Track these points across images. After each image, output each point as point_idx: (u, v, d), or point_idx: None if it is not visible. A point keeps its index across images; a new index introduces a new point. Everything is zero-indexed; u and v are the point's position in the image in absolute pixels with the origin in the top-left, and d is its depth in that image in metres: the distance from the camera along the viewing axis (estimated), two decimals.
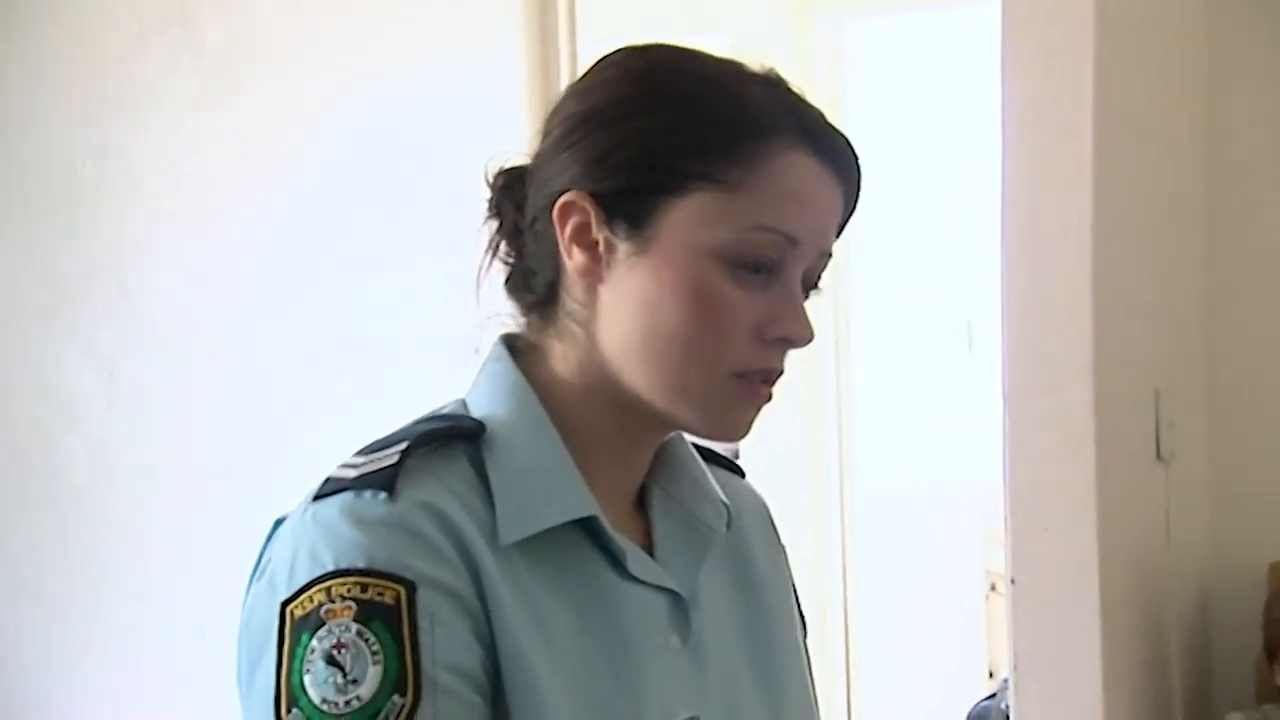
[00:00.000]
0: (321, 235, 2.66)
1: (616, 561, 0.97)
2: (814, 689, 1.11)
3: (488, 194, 1.04)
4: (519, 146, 2.85)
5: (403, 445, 0.93)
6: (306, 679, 0.85)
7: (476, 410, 0.99)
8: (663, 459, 1.05)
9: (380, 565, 0.87)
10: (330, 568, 0.87)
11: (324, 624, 0.86)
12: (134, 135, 2.40)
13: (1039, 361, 2.21)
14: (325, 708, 0.84)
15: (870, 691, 4.22)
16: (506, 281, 1.03)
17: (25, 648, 2.29)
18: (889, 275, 4.22)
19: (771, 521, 1.14)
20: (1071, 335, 2.17)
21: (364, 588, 0.86)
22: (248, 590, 0.96)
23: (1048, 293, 2.19)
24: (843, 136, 0.98)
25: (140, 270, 2.42)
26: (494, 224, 1.04)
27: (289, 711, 0.85)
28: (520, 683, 0.89)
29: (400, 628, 0.85)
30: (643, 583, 0.98)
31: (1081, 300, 2.16)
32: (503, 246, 1.03)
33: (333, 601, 0.86)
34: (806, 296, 0.98)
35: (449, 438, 0.95)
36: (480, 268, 1.04)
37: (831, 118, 0.99)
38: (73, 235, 2.35)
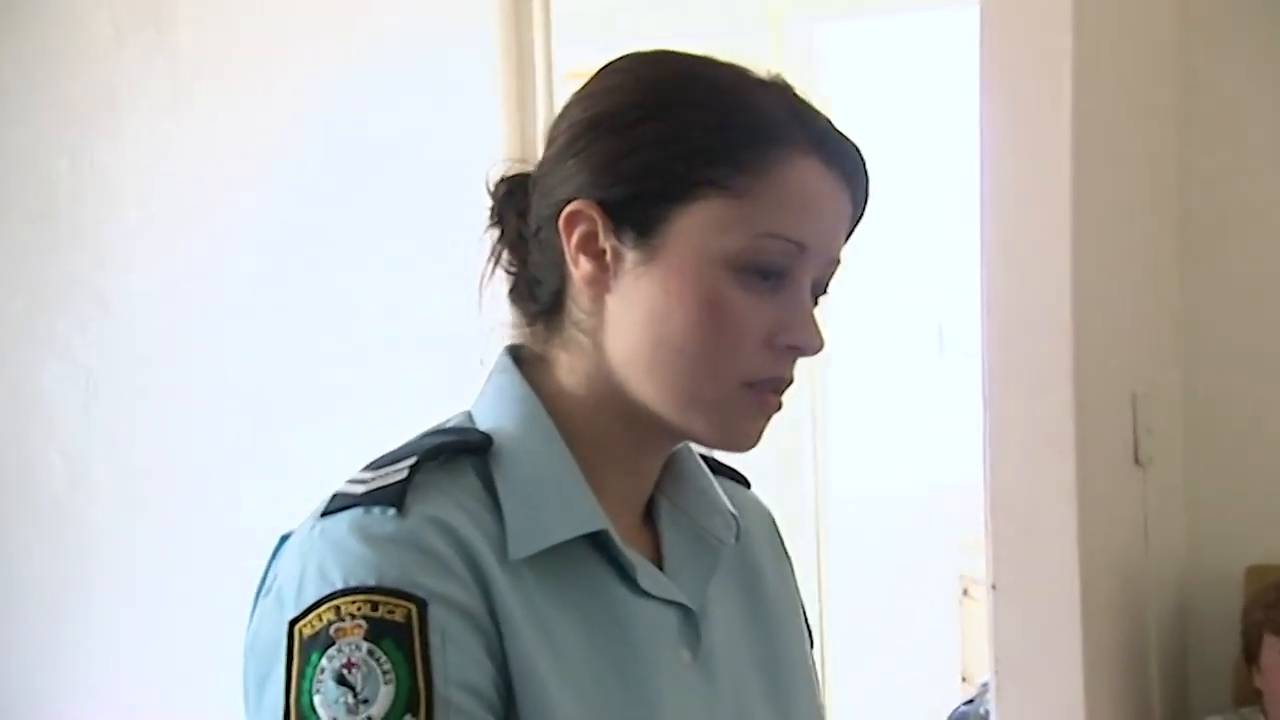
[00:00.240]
0: (299, 238, 2.64)
1: (626, 575, 0.96)
2: (821, 702, 1.10)
3: (489, 202, 1.03)
4: (494, 147, 2.86)
5: (411, 460, 0.91)
6: (316, 699, 0.84)
7: (483, 423, 0.98)
8: (670, 470, 1.04)
9: (390, 583, 0.85)
10: (339, 585, 0.86)
11: (334, 643, 0.84)
12: (109, 140, 2.38)
13: (1020, 365, 2.21)
14: None
15: (844, 696, 4.22)
16: (510, 291, 1.02)
17: (3, 658, 2.27)
18: (862, 280, 4.21)
19: (778, 532, 1.13)
20: (1052, 339, 2.18)
21: (374, 605, 0.85)
22: (253, 608, 0.94)
23: (1028, 296, 2.20)
24: (851, 142, 0.97)
25: (117, 277, 2.39)
26: (495, 232, 1.02)
27: None
28: (532, 699, 0.87)
29: (412, 646, 0.84)
30: (653, 597, 0.97)
31: (1062, 304, 2.17)
32: (505, 255, 1.02)
33: (342, 620, 0.85)
34: (815, 304, 0.97)
35: (456, 452, 0.94)
36: (482, 276, 1.03)
37: None
38: (49, 242, 2.32)
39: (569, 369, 0.98)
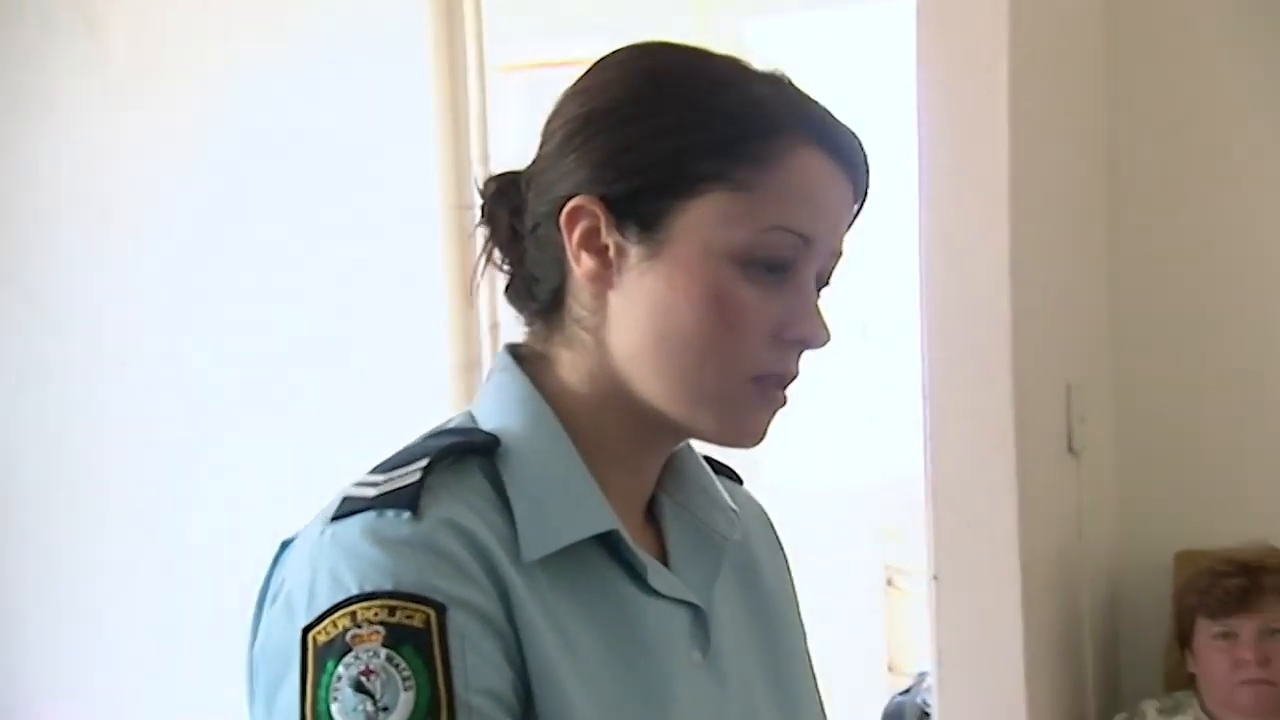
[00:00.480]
0: (231, 236, 2.62)
1: (637, 575, 0.95)
2: (821, 699, 1.10)
3: (479, 201, 1.01)
4: (427, 142, 2.83)
5: (424, 462, 0.89)
6: (334, 707, 0.82)
7: (486, 423, 0.96)
8: (671, 468, 1.03)
9: (408, 587, 0.84)
10: (354, 591, 0.84)
11: (350, 650, 0.82)
12: (40, 139, 2.33)
13: (960, 358, 2.23)
14: None
15: None
16: (507, 289, 1.01)
17: None
18: None
19: (773, 528, 1.12)
20: (991, 330, 2.20)
21: (392, 611, 0.83)
22: (256, 616, 0.92)
23: (967, 290, 2.22)
24: (852, 132, 0.96)
25: (46, 277, 2.34)
26: (485, 231, 1.00)
27: None
28: (552, 702, 0.86)
29: (431, 652, 0.82)
30: (663, 596, 0.96)
31: (1000, 297, 2.19)
32: (497, 255, 1.00)
33: (359, 626, 0.83)
34: (818, 296, 0.96)
35: (464, 453, 0.92)
36: (474, 275, 1.01)
37: None
38: None
39: (571, 367, 0.97)
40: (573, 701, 0.87)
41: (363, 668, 0.82)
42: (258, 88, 2.68)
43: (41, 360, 2.33)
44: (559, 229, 0.95)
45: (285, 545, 0.94)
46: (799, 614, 1.11)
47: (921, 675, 2.84)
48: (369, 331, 2.78)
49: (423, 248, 2.73)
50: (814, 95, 0.97)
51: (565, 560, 0.91)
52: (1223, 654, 2.31)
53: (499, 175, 1.01)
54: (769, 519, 1.12)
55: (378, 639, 0.82)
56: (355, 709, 0.81)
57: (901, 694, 3.09)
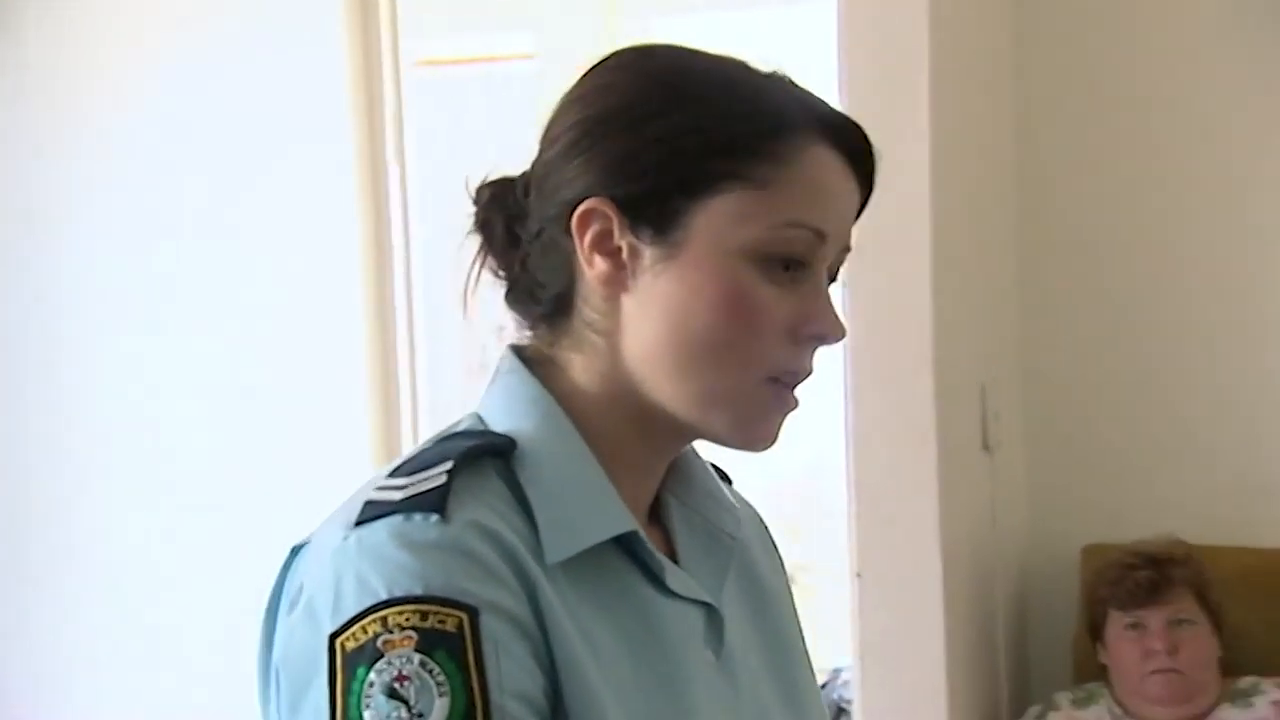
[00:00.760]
0: (146, 234, 2.57)
1: (654, 576, 0.94)
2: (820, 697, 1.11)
3: (470, 208, 1.00)
4: (343, 138, 2.80)
5: (449, 464, 0.88)
6: (367, 714, 0.81)
7: (496, 425, 0.95)
8: (675, 469, 1.02)
9: (439, 591, 0.83)
10: (383, 596, 0.83)
11: (382, 656, 0.81)
12: None
13: (883, 358, 2.26)
14: None
15: None
16: (507, 295, 1.00)
17: None
18: None
19: (766, 529, 1.12)
20: (913, 330, 2.23)
21: (424, 616, 0.82)
22: (269, 622, 0.91)
23: (890, 291, 2.25)
24: (858, 127, 0.96)
25: None
26: (480, 239, 0.99)
27: None
28: (582, 704, 0.86)
29: (465, 657, 0.81)
30: (680, 597, 0.96)
31: (922, 298, 2.22)
32: (491, 260, 0.99)
33: (390, 632, 0.81)
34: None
35: (483, 455, 0.91)
36: (467, 281, 1.00)
37: None
38: None
39: (582, 370, 0.96)
40: (603, 704, 0.87)
41: (396, 673, 0.81)
42: (172, 86, 2.64)
43: None
44: (567, 233, 0.94)
45: (296, 551, 0.92)
46: (796, 613, 1.11)
47: (836, 671, 2.87)
48: (283, 329, 2.75)
49: (338, 244, 2.70)
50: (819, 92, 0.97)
51: (585, 562, 0.91)
52: (1133, 644, 2.37)
53: (494, 181, 1.00)
54: (762, 519, 1.12)
55: (410, 644, 0.81)
56: (389, 715, 0.80)
57: None
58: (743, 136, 0.92)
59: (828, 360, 0.98)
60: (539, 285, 0.97)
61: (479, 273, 1.00)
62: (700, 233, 0.92)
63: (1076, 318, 2.76)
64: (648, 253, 0.93)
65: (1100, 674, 2.49)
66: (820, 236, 0.93)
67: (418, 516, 0.85)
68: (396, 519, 0.86)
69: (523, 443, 0.93)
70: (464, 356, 6.07)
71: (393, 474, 0.90)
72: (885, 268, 2.24)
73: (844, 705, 2.67)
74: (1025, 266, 2.76)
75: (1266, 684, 2.39)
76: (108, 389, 2.53)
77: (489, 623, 0.83)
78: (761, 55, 0.98)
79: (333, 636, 0.83)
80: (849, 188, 0.95)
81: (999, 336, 2.69)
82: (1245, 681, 2.41)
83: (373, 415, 2.73)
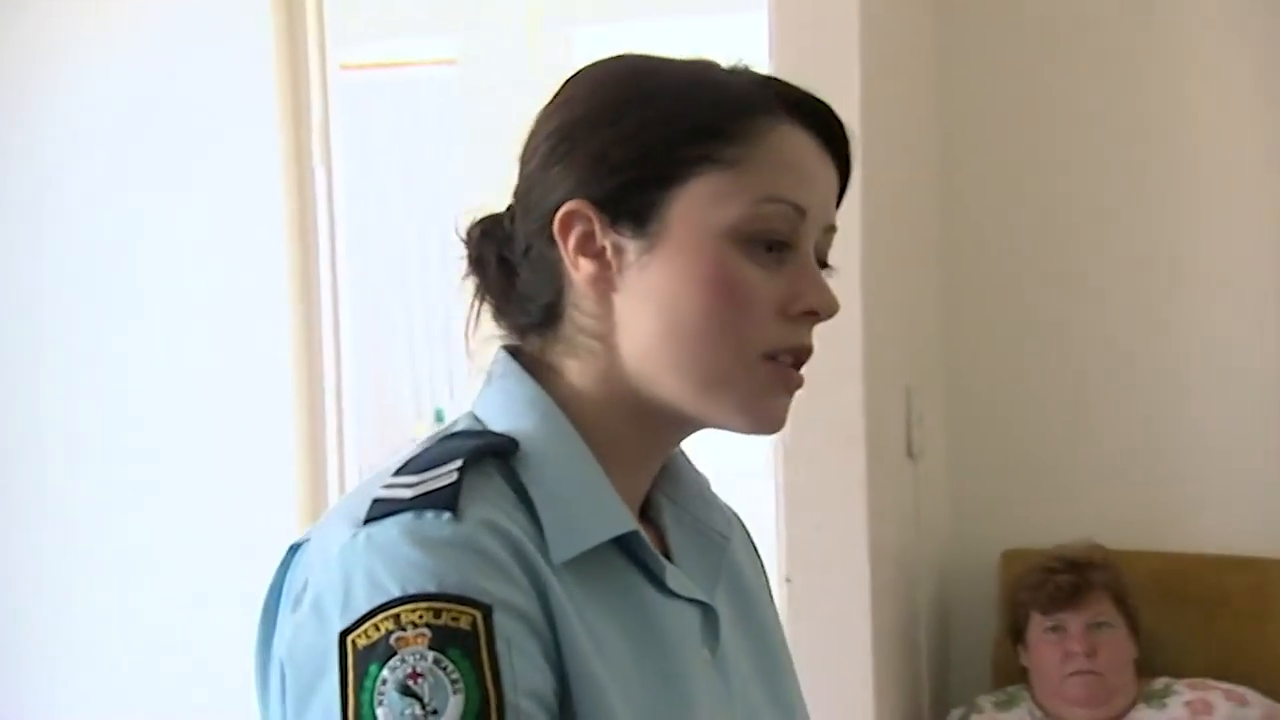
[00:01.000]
0: (71, 236, 2.53)
1: (654, 576, 0.95)
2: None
3: (464, 250, 1.01)
4: (270, 142, 2.78)
5: (459, 463, 0.88)
6: (380, 711, 0.80)
7: (495, 425, 0.95)
8: (666, 470, 1.03)
9: (453, 589, 0.82)
10: (396, 594, 0.82)
11: (395, 653, 0.81)
12: None
13: (811, 363, 2.27)
14: None
15: None
16: (496, 314, 1.00)
17: None
18: None
19: (746, 530, 1.13)
20: (843, 338, 2.25)
21: (437, 613, 0.81)
22: (267, 622, 0.91)
23: None
24: (829, 109, 0.97)
25: None
26: (474, 278, 1.00)
27: None
28: (591, 703, 0.86)
29: (479, 654, 0.81)
30: (679, 597, 0.96)
31: (851, 301, 2.23)
32: (488, 294, 1.00)
33: (403, 629, 0.81)
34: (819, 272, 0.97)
35: (488, 454, 0.91)
36: (468, 324, 1.01)
37: None
38: None
39: (580, 374, 0.96)
40: (611, 703, 0.87)
41: (409, 670, 0.80)
42: (99, 89, 2.61)
43: None
44: (552, 242, 0.95)
45: (294, 549, 0.92)
46: (777, 613, 1.12)
47: None
48: (208, 333, 2.72)
49: (264, 247, 2.68)
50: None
51: (587, 562, 0.91)
52: (1054, 647, 2.42)
53: (483, 219, 1.01)
54: (742, 522, 1.13)
55: (423, 641, 0.81)
56: (403, 712, 0.80)
57: None
58: (709, 121, 0.93)
59: None
60: (528, 299, 0.98)
61: (479, 312, 1.01)
62: (679, 221, 0.93)
63: (997, 328, 2.81)
64: (631, 248, 0.94)
65: (1019, 677, 2.53)
66: (800, 212, 0.94)
67: (429, 514, 0.85)
68: (408, 516, 0.85)
69: (524, 443, 0.93)
70: (389, 358, 6.04)
71: (399, 472, 0.90)
72: None
73: None
74: (948, 276, 2.81)
75: (1179, 685, 2.45)
76: (29, 386, 2.50)
77: (502, 620, 0.83)
78: None
79: (343, 634, 0.83)
80: (824, 166, 0.97)
81: (923, 346, 2.73)
82: (1159, 683, 2.46)
83: (297, 416, 2.71)
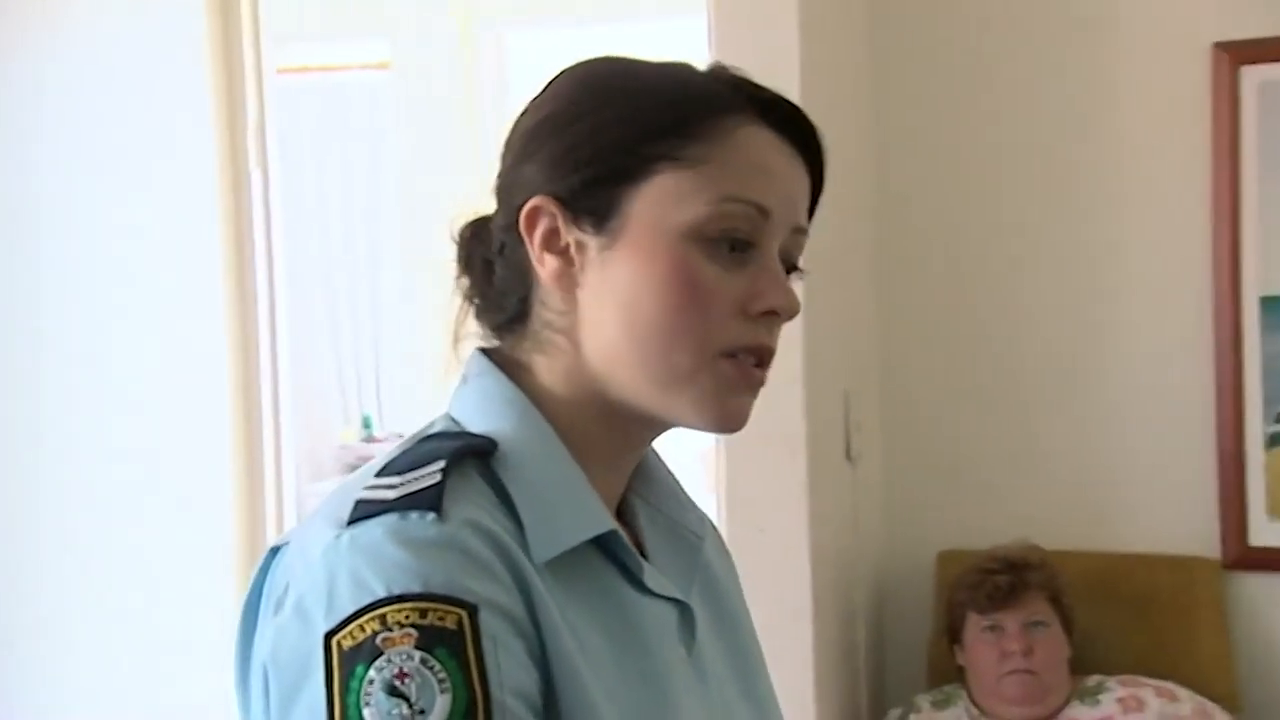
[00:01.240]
0: (5, 240, 2.50)
1: (632, 575, 0.95)
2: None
3: (455, 251, 1.01)
4: (205, 144, 2.75)
5: (442, 464, 0.88)
6: (366, 712, 0.80)
7: (472, 426, 0.95)
8: (639, 470, 1.04)
9: (438, 589, 0.82)
10: (381, 594, 0.82)
11: (382, 653, 0.81)
12: None
13: None
14: None
15: None
16: (476, 312, 1.01)
17: None
18: None
19: (717, 531, 1.14)
20: (783, 343, 2.25)
21: (423, 613, 0.81)
22: (247, 625, 0.90)
23: None
24: (800, 111, 0.98)
25: None
26: (465, 278, 1.01)
27: None
28: (576, 701, 0.86)
29: (465, 654, 0.81)
30: (657, 595, 0.97)
31: None
32: (476, 294, 1.01)
33: (390, 629, 0.81)
34: (787, 275, 0.97)
35: (471, 455, 0.91)
36: (456, 326, 1.01)
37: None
38: None
39: (548, 370, 0.97)
40: (596, 701, 0.87)
41: (396, 671, 0.80)
42: (34, 91, 2.58)
43: None
44: (521, 239, 0.96)
45: (275, 551, 0.92)
46: (748, 612, 1.13)
47: None
48: (145, 337, 2.70)
49: (200, 249, 2.66)
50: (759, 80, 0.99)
51: (567, 561, 0.91)
52: (991, 646, 2.45)
53: (474, 220, 1.01)
54: (712, 522, 1.14)
55: (410, 641, 0.81)
56: (390, 712, 0.80)
57: None
58: (671, 120, 0.94)
59: None
60: (503, 296, 0.99)
61: (467, 314, 1.01)
62: (639, 218, 0.93)
63: (932, 334, 2.84)
64: (592, 244, 0.94)
65: (955, 676, 2.56)
66: (763, 212, 0.94)
67: (414, 515, 0.85)
68: (392, 517, 0.85)
69: (503, 443, 0.93)
70: (317, 364, 5.99)
71: (380, 474, 0.90)
72: None
73: None
74: (883, 283, 2.84)
75: (1111, 682, 2.49)
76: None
77: (487, 620, 0.83)
78: None
79: (328, 635, 0.82)
80: (791, 167, 0.97)
81: (860, 352, 2.76)
82: (1092, 680, 2.50)
83: (234, 417, 2.68)
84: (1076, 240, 2.77)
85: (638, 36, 3.77)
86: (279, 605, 0.87)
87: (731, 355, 0.94)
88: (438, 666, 0.81)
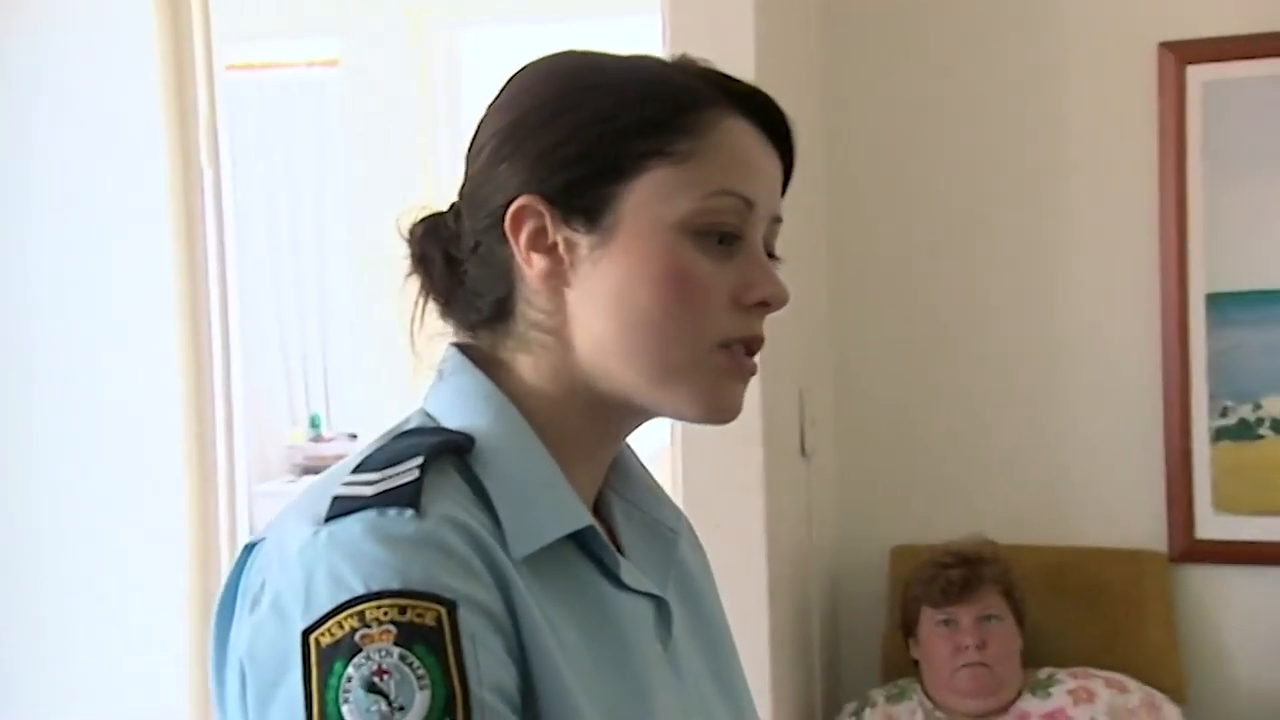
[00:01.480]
0: None
1: (608, 571, 0.95)
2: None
3: (407, 249, 1.00)
4: (155, 143, 2.73)
5: (420, 460, 0.87)
6: (345, 709, 0.79)
7: (448, 422, 0.95)
8: (615, 465, 1.04)
9: (417, 585, 0.82)
10: (359, 591, 0.82)
11: (360, 650, 0.80)
12: None
13: None
14: None
15: None
16: (443, 311, 1.00)
17: None
18: None
19: (690, 527, 1.14)
20: None
21: (402, 610, 0.81)
22: (222, 622, 0.89)
23: None
24: (771, 100, 0.99)
25: None
26: (419, 275, 1.00)
27: None
28: (556, 698, 0.86)
29: (444, 650, 0.81)
30: (633, 590, 0.97)
31: None
32: (434, 291, 1.00)
33: (368, 626, 0.81)
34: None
35: (449, 451, 0.91)
36: (413, 322, 1.00)
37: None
38: None
39: (533, 368, 0.97)
40: (575, 697, 0.87)
41: (375, 668, 0.80)
42: None
43: None
44: (503, 239, 0.95)
45: (249, 548, 0.91)
46: (722, 607, 1.13)
47: None
48: (96, 335, 2.68)
49: (151, 245, 2.64)
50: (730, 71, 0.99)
51: (544, 558, 0.91)
52: (945, 640, 2.47)
53: (425, 218, 1.00)
54: (685, 517, 1.14)
55: (389, 638, 0.80)
56: (369, 709, 0.79)
57: None
58: (658, 115, 0.94)
59: None
60: (477, 295, 0.98)
61: (424, 310, 1.00)
62: (631, 215, 0.93)
63: (884, 332, 2.86)
64: (583, 242, 0.94)
65: (908, 670, 2.58)
66: (748, 204, 0.95)
67: (392, 511, 0.85)
68: (370, 514, 0.85)
69: (479, 440, 0.93)
70: (264, 364, 5.95)
71: (358, 469, 0.89)
72: None
73: None
74: (836, 282, 2.86)
75: (1062, 674, 2.52)
76: None
77: (466, 617, 0.83)
78: None
79: (306, 632, 0.82)
80: (769, 158, 0.98)
81: (814, 350, 2.78)
82: (1044, 672, 2.53)
83: (186, 414, 2.66)
84: (1026, 238, 2.80)
85: (592, 35, 3.77)
86: (255, 602, 0.87)
87: (725, 346, 0.95)
88: (417, 663, 0.81)
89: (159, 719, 2.66)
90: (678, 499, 2.28)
